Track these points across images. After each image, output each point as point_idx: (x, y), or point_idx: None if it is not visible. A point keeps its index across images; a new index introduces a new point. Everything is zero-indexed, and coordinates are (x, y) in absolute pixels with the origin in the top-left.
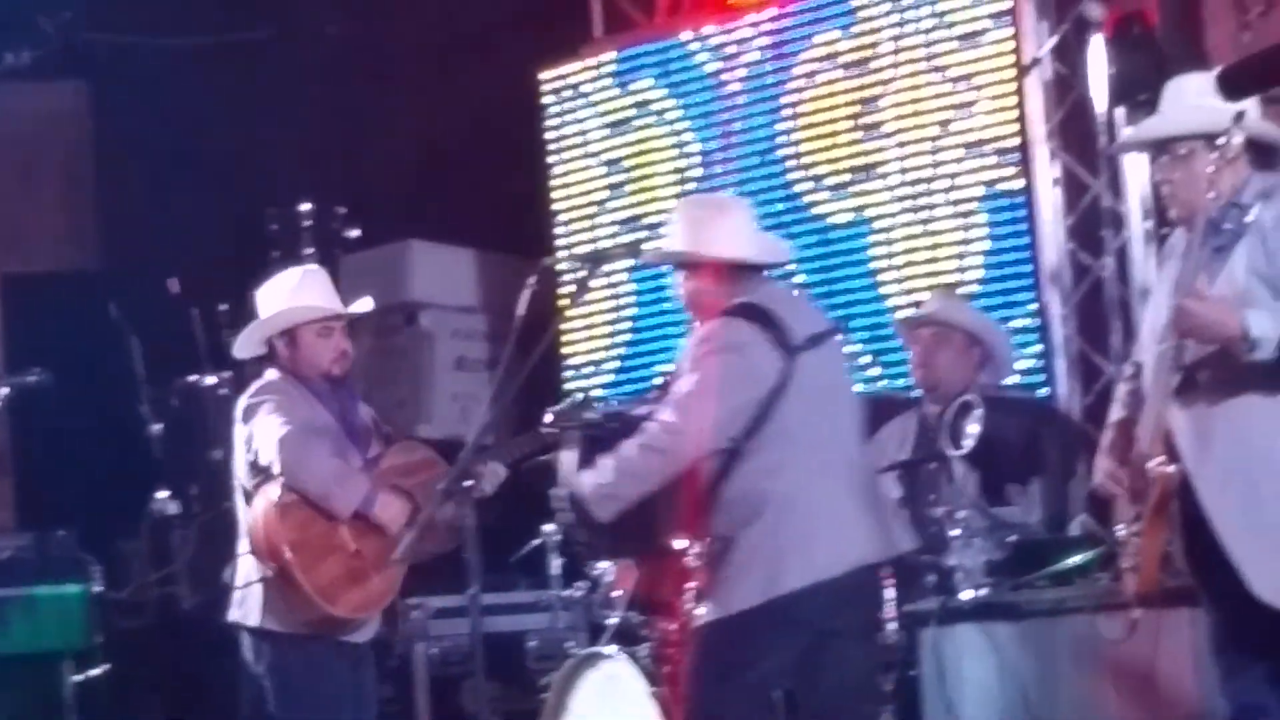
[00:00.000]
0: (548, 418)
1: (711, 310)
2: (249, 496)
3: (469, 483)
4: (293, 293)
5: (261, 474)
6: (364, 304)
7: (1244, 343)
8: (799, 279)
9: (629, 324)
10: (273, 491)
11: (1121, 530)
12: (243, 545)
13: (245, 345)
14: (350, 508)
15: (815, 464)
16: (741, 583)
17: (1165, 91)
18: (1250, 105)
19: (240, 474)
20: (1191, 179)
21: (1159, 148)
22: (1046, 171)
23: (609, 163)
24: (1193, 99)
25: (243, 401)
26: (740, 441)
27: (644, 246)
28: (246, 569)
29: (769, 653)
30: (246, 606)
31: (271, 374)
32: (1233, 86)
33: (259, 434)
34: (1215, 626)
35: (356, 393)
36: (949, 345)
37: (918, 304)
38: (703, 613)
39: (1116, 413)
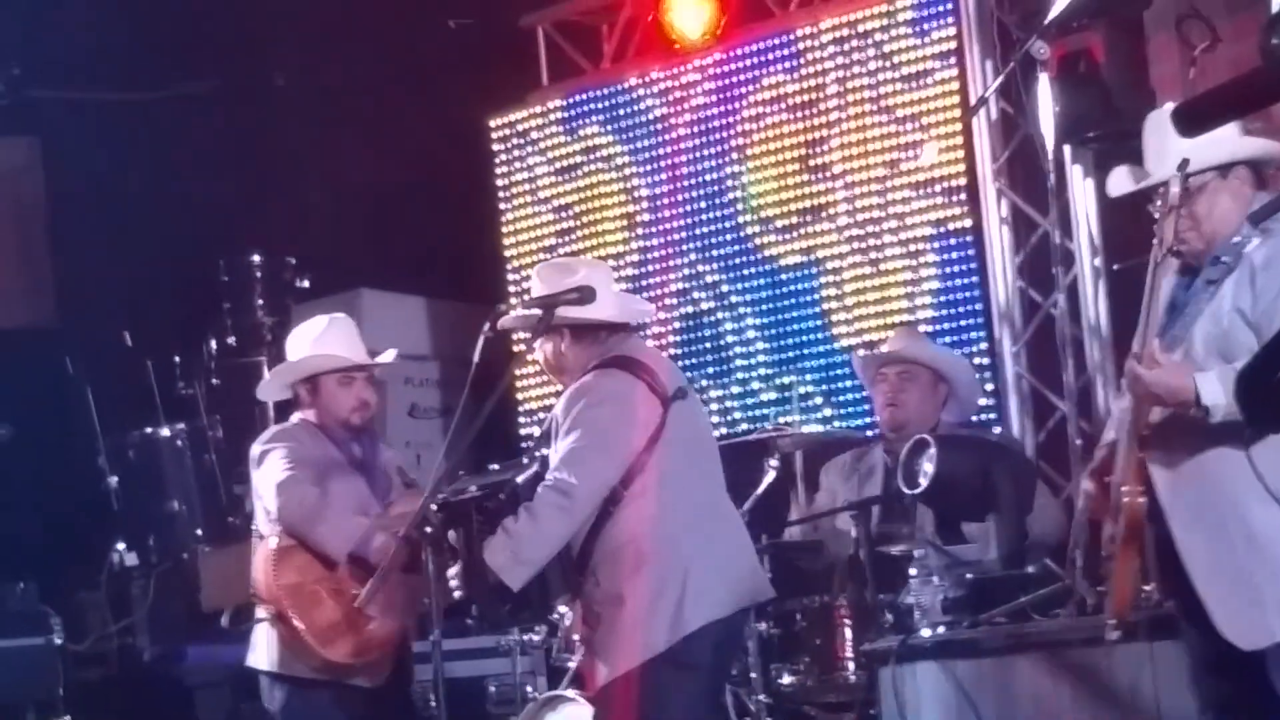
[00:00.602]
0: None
1: (575, 370)
2: (261, 539)
3: (428, 529)
4: (316, 341)
5: (270, 519)
6: (387, 356)
7: (1196, 409)
8: (750, 321)
9: None
10: (272, 537)
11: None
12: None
13: (269, 389)
14: (343, 551)
15: (692, 509)
16: (643, 630)
17: (1149, 129)
18: (1232, 129)
19: (258, 521)
20: (1211, 210)
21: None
22: (994, 210)
23: (558, 208)
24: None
25: (255, 449)
26: (620, 490)
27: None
28: (257, 611)
29: (679, 697)
30: (258, 650)
31: (294, 418)
32: (1190, 122)
33: (263, 481)
34: (1193, 653)
35: (378, 440)
36: (916, 383)
37: (872, 344)
38: (604, 671)
39: (1108, 434)
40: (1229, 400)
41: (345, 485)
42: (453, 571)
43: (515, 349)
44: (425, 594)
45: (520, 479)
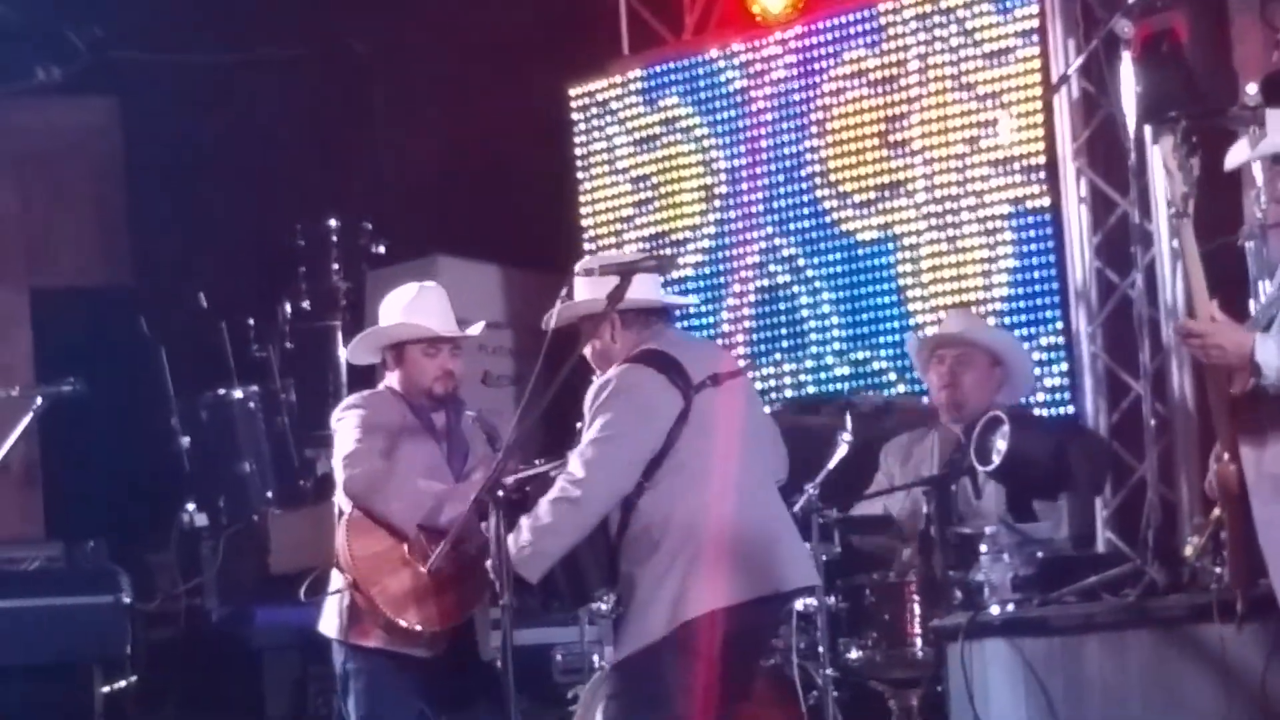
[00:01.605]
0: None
1: (616, 358)
2: (341, 511)
3: (500, 493)
4: (405, 309)
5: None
6: (475, 328)
7: (1250, 368)
8: (826, 295)
9: None
10: (346, 506)
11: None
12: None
13: (356, 352)
14: (410, 523)
15: (710, 494)
16: (647, 615)
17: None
18: None
19: (337, 492)
20: None
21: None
22: (1073, 189)
23: (636, 179)
24: None
25: (334, 415)
26: (643, 483)
27: (674, 261)
28: (334, 581)
29: (677, 684)
30: (328, 617)
31: (382, 384)
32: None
33: (336, 450)
34: None
35: (463, 409)
36: (973, 366)
37: (939, 323)
38: (613, 653)
39: None
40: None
41: (418, 451)
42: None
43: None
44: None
45: (554, 473)
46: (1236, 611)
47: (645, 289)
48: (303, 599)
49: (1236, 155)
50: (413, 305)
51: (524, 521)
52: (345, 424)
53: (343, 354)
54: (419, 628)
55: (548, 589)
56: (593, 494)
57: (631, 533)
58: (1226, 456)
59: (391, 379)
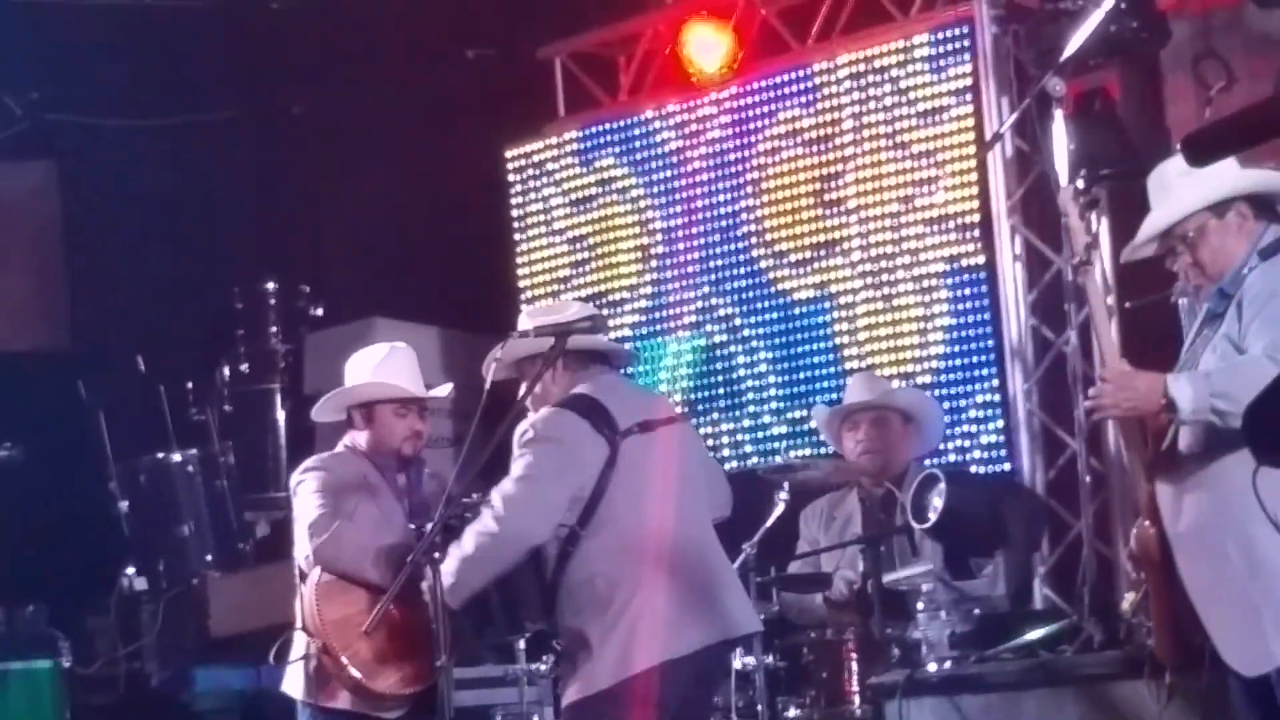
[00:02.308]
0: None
1: (550, 401)
2: (303, 574)
3: (437, 555)
4: (376, 369)
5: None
6: (443, 390)
7: (1166, 408)
8: (762, 354)
9: None
10: (316, 573)
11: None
12: (297, 620)
13: (324, 410)
14: (387, 576)
15: (650, 547)
16: (594, 667)
17: (1150, 187)
18: (1229, 165)
19: (297, 550)
20: (1215, 252)
21: (1168, 240)
22: (1008, 247)
23: (573, 239)
24: (1176, 179)
25: (293, 479)
26: (577, 530)
27: (607, 322)
28: (298, 644)
29: None
30: (294, 679)
31: (343, 442)
32: (1199, 152)
33: (298, 516)
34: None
35: (423, 468)
36: (888, 427)
37: (887, 378)
38: (565, 695)
39: None
40: (1195, 397)
41: (381, 510)
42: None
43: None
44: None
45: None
46: (1165, 681)
47: (585, 335)
48: (272, 663)
49: (1137, 241)
50: (384, 365)
51: (452, 549)
52: (305, 487)
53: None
54: (390, 691)
55: (482, 616)
56: (509, 530)
57: (573, 581)
58: (1146, 521)
59: (356, 438)
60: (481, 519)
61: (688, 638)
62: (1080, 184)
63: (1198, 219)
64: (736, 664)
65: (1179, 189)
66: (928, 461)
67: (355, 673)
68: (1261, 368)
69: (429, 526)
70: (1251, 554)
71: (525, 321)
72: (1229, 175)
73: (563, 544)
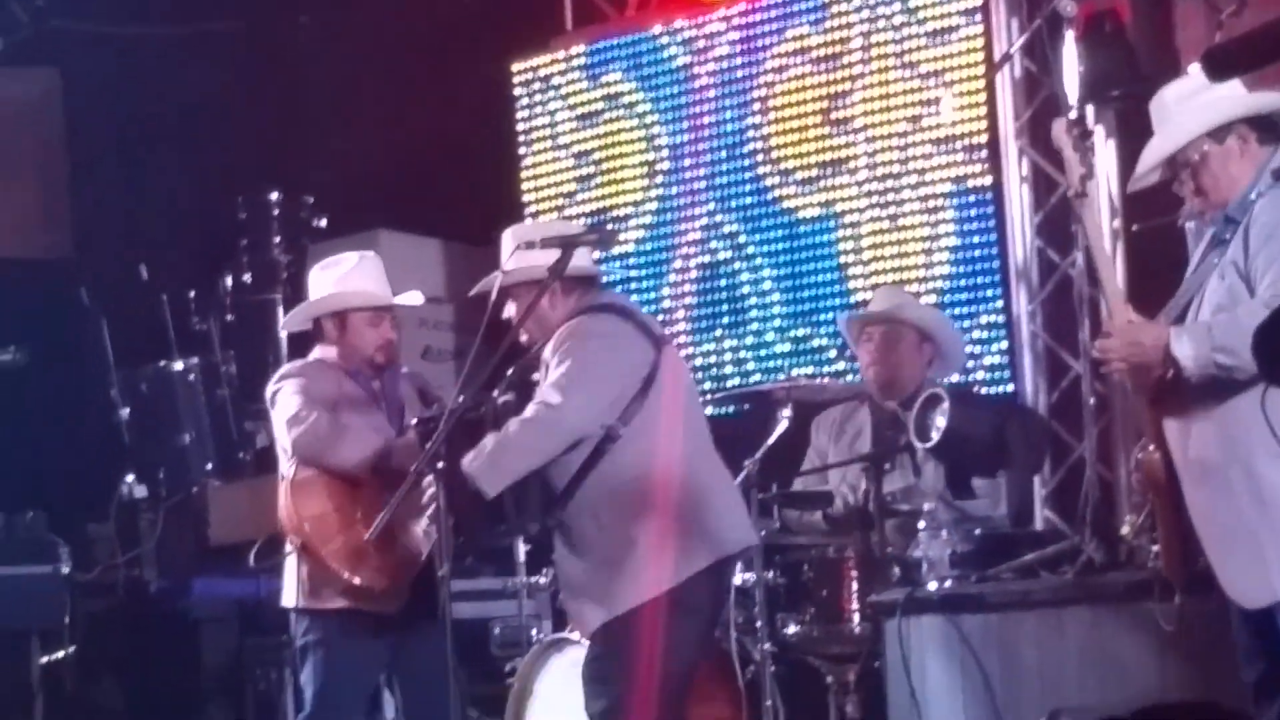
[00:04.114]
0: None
1: (554, 325)
2: (282, 475)
3: (440, 465)
4: (344, 278)
5: (288, 456)
6: (413, 297)
7: (1168, 363)
8: (767, 272)
9: None
10: (290, 470)
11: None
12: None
13: (293, 321)
14: (364, 462)
15: (692, 451)
16: (644, 572)
17: (1152, 113)
18: (1228, 88)
19: (281, 460)
20: (1217, 178)
21: (1171, 167)
22: (1015, 168)
23: (578, 155)
24: (1174, 106)
25: (269, 389)
26: (619, 428)
27: (615, 236)
28: (286, 548)
29: (678, 638)
30: (288, 588)
31: (314, 353)
32: (1218, 66)
33: (278, 418)
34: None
35: (398, 374)
36: (901, 342)
37: (864, 302)
38: (599, 611)
39: None
40: (1197, 354)
41: (360, 419)
42: (427, 481)
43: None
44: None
45: (500, 399)
46: (1174, 599)
47: (582, 258)
48: (252, 565)
49: (1139, 170)
50: (353, 274)
51: (490, 439)
52: (284, 391)
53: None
54: (372, 584)
55: (495, 510)
56: (565, 419)
57: (614, 484)
58: (1152, 446)
59: (326, 350)
60: (535, 409)
61: (727, 541)
62: (1074, 115)
63: (1197, 145)
64: (736, 580)
65: (1177, 115)
66: (937, 381)
67: (337, 568)
68: (1261, 319)
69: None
70: (1257, 486)
71: (508, 243)
72: (1226, 99)
73: (599, 442)
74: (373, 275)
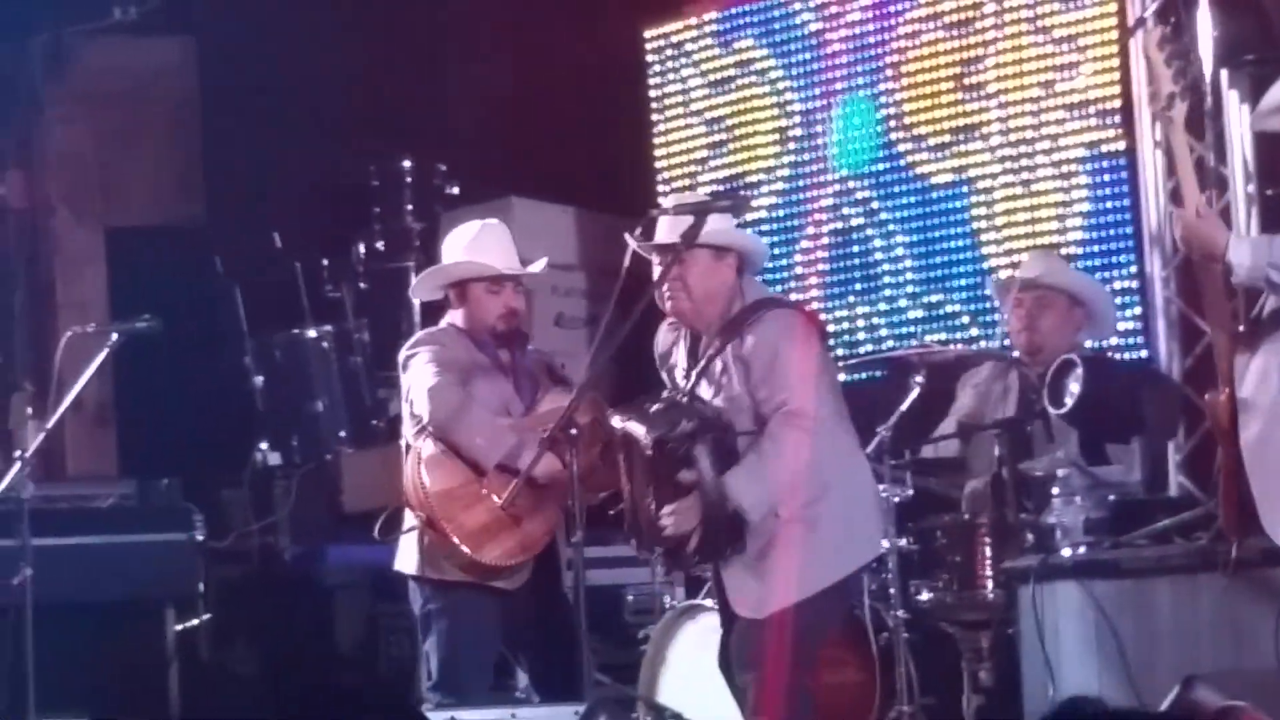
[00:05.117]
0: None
1: (711, 299)
2: (409, 448)
3: (574, 432)
4: (467, 247)
5: (418, 425)
6: (538, 265)
7: (1223, 263)
8: (899, 239)
9: None
10: (423, 444)
11: None
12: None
13: (420, 289)
14: (491, 459)
15: (849, 441)
16: (825, 561)
17: None
18: None
19: (405, 426)
20: None
21: None
22: (1149, 133)
23: (710, 121)
24: None
25: (402, 353)
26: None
27: (748, 201)
28: (408, 519)
29: (833, 629)
30: (405, 555)
31: (445, 320)
32: None
33: (414, 386)
34: None
35: (527, 344)
36: (1053, 309)
37: (1016, 265)
38: (769, 594)
39: None
40: (1253, 264)
41: (490, 388)
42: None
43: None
44: (569, 496)
45: (709, 413)
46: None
47: (747, 239)
48: (377, 538)
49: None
50: (475, 243)
51: (760, 463)
52: (419, 359)
53: None
54: (497, 563)
55: (736, 532)
56: (814, 425)
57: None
58: (1224, 388)
59: (455, 316)
60: (786, 419)
61: (878, 534)
62: (1168, 30)
63: None
64: None
65: None
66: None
67: (461, 545)
68: None
69: (549, 406)
70: None
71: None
72: None
73: None
74: (495, 243)
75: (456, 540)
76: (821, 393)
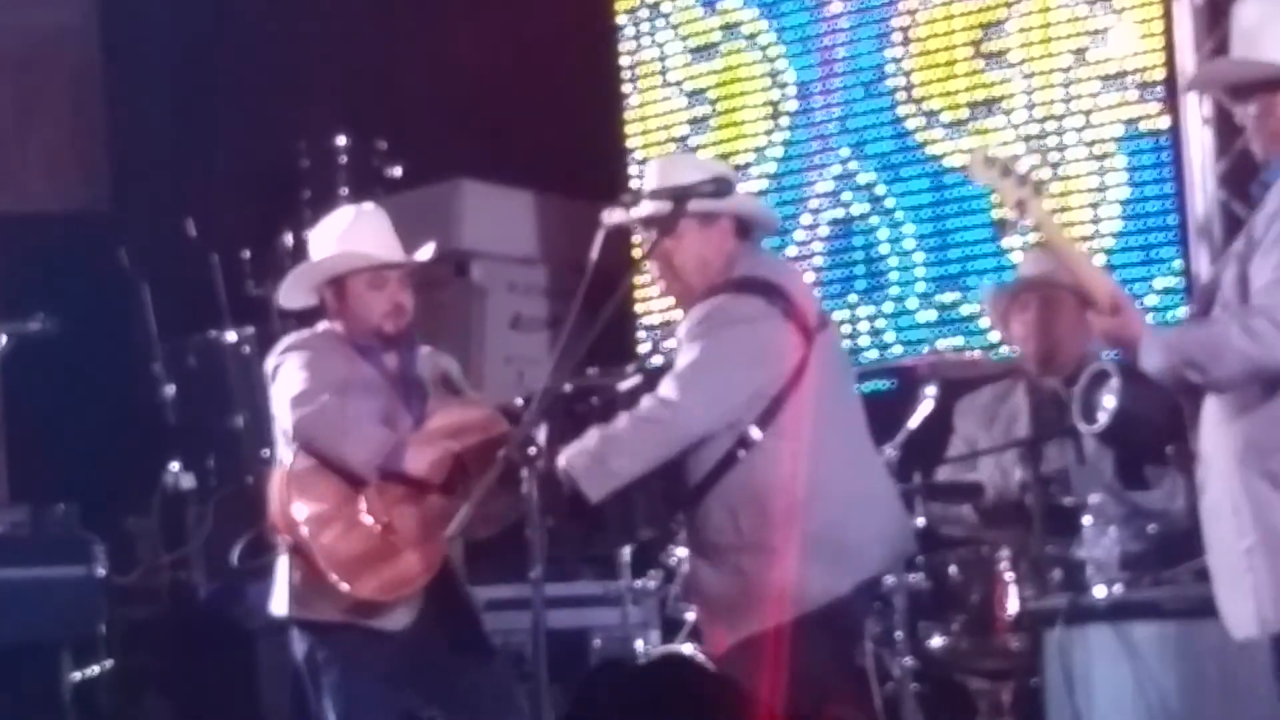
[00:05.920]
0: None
1: (701, 274)
2: (279, 462)
3: (533, 451)
4: (342, 237)
5: (288, 440)
6: (425, 252)
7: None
8: (909, 229)
9: None
10: (288, 457)
11: None
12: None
13: (290, 294)
14: (370, 463)
15: (842, 454)
16: (791, 588)
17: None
18: None
19: (279, 446)
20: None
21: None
22: (1195, 109)
23: (691, 93)
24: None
25: (270, 361)
26: (753, 432)
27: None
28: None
29: (823, 661)
30: (278, 595)
31: (319, 326)
32: None
33: (280, 393)
34: None
35: (415, 347)
36: (1062, 309)
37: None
38: (735, 627)
39: None
40: (1168, 367)
41: (372, 403)
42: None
43: (637, 252)
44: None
45: (621, 386)
46: None
47: (745, 202)
48: (234, 564)
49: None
50: (350, 232)
51: (595, 434)
52: (288, 366)
53: None
54: (373, 597)
55: (596, 517)
56: (685, 421)
57: (753, 489)
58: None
59: (334, 323)
60: (649, 407)
61: (880, 556)
62: (990, 152)
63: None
64: None
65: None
66: (1103, 354)
67: (332, 575)
68: (1232, 342)
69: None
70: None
71: (653, 177)
72: None
73: (733, 444)
74: (373, 231)
75: (326, 568)
76: (800, 399)
